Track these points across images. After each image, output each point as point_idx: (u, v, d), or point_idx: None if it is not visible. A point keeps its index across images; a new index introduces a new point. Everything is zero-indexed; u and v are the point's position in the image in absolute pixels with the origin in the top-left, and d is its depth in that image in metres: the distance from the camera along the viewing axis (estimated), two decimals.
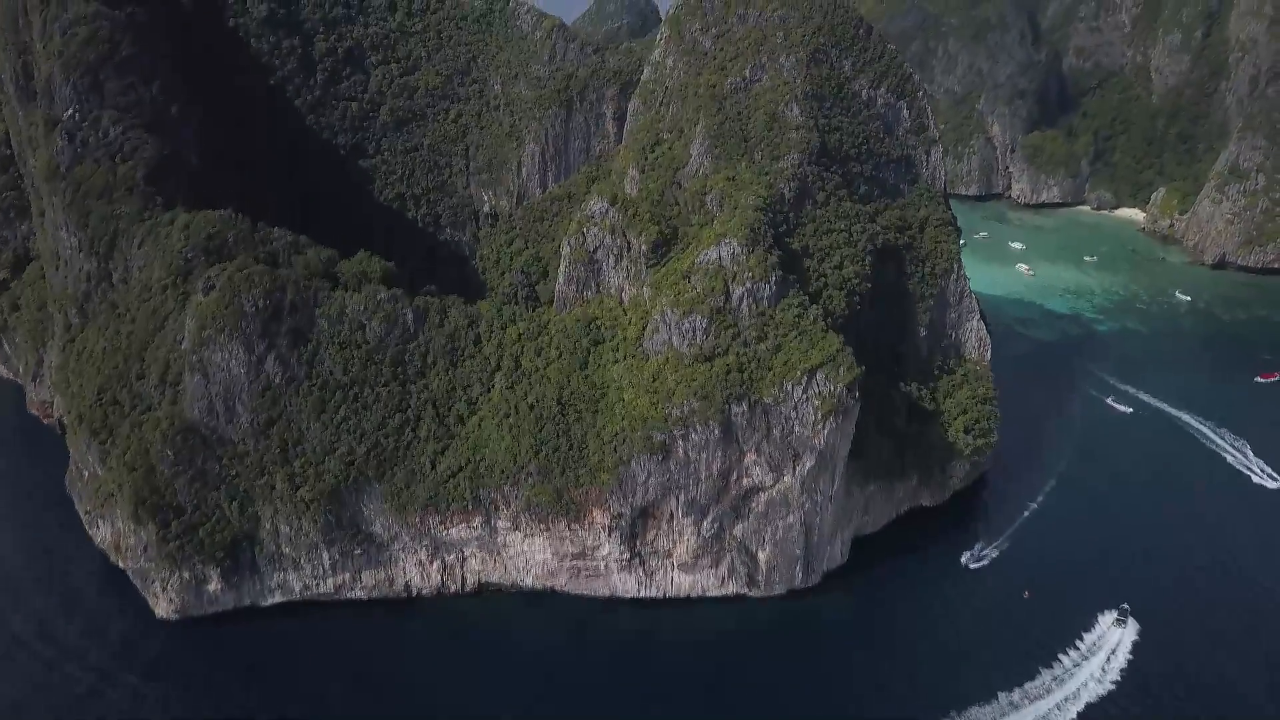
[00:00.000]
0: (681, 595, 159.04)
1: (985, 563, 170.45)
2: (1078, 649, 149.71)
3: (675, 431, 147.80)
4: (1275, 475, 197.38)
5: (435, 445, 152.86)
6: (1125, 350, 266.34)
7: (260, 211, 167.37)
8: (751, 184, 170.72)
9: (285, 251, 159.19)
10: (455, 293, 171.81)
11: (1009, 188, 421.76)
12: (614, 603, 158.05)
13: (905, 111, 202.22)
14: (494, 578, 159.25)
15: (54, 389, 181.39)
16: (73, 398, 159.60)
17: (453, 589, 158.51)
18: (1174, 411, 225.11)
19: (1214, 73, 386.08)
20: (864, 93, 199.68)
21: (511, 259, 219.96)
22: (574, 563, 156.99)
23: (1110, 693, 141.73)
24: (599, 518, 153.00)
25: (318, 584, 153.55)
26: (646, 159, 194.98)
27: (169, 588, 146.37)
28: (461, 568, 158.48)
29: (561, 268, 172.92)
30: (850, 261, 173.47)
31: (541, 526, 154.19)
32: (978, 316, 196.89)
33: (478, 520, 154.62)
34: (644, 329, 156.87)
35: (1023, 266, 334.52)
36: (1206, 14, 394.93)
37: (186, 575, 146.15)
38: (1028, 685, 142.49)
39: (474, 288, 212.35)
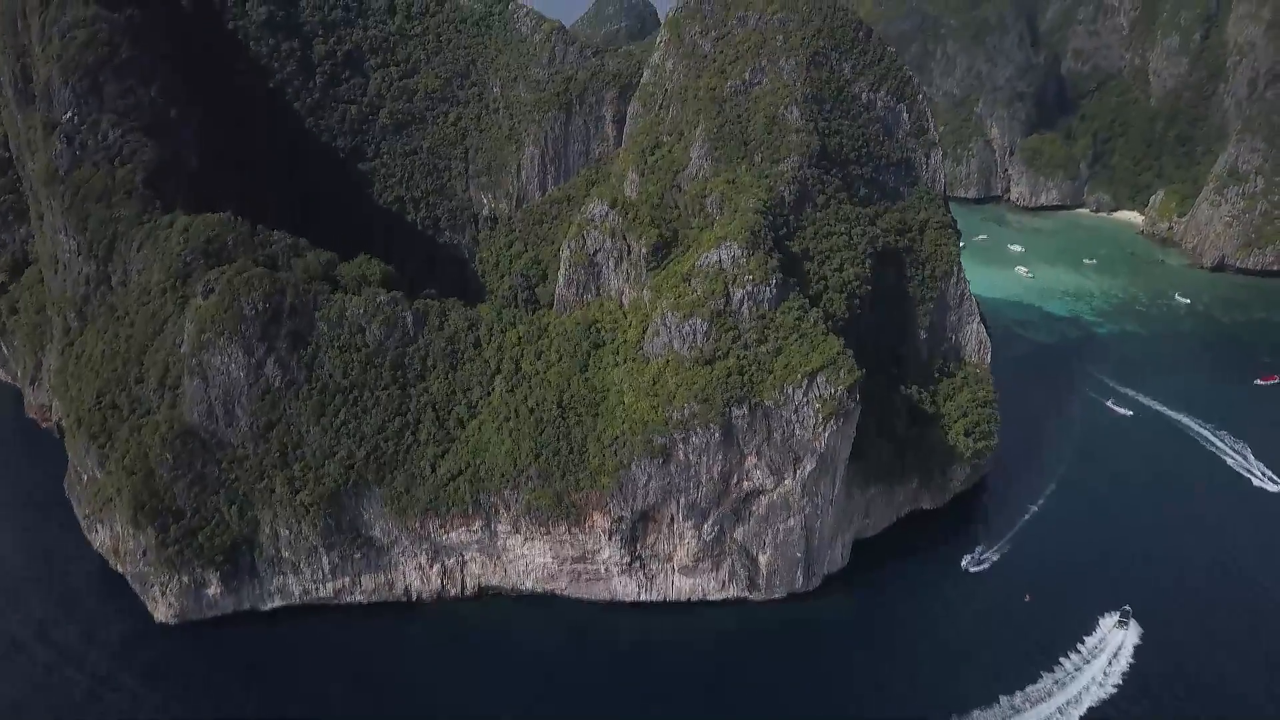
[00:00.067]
0: (682, 599, 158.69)
1: (986, 566, 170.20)
2: (1079, 652, 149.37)
3: (676, 435, 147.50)
4: (1276, 478, 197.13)
5: (435, 449, 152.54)
6: (1125, 353, 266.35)
7: (260, 214, 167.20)
8: (751, 187, 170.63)
9: (285, 254, 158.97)
10: (455, 296, 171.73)
11: (1008, 190, 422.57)
12: (614, 606, 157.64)
13: (905, 114, 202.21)
14: (494, 581, 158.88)
15: (53, 392, 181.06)
16: (71, 401, 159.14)
17: (453, 593, 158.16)
18: (1174, 414, 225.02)
19: (1212, 75, 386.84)
20: (864, 96, 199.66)
21: (511, 262, 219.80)
22: (574, 566, 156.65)
23: (1112, 696, 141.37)
24: (599, 521, 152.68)
25: (317, 588, 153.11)
26: (646, 162, 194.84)
27: (168, 592, 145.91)
28: (461, 571, 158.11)
29: (561, 271, 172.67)
30: (850, 264, 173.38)
31: (542, 530, 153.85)
32: (978, 319, 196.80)
33: (478, 524, 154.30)
34: (644, 332, 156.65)
35: (1022, 269, 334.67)
36: (1205, 17, 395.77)
37: (185, 579, 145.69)
38: (1029, 689, 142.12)
39: (473, 291, 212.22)
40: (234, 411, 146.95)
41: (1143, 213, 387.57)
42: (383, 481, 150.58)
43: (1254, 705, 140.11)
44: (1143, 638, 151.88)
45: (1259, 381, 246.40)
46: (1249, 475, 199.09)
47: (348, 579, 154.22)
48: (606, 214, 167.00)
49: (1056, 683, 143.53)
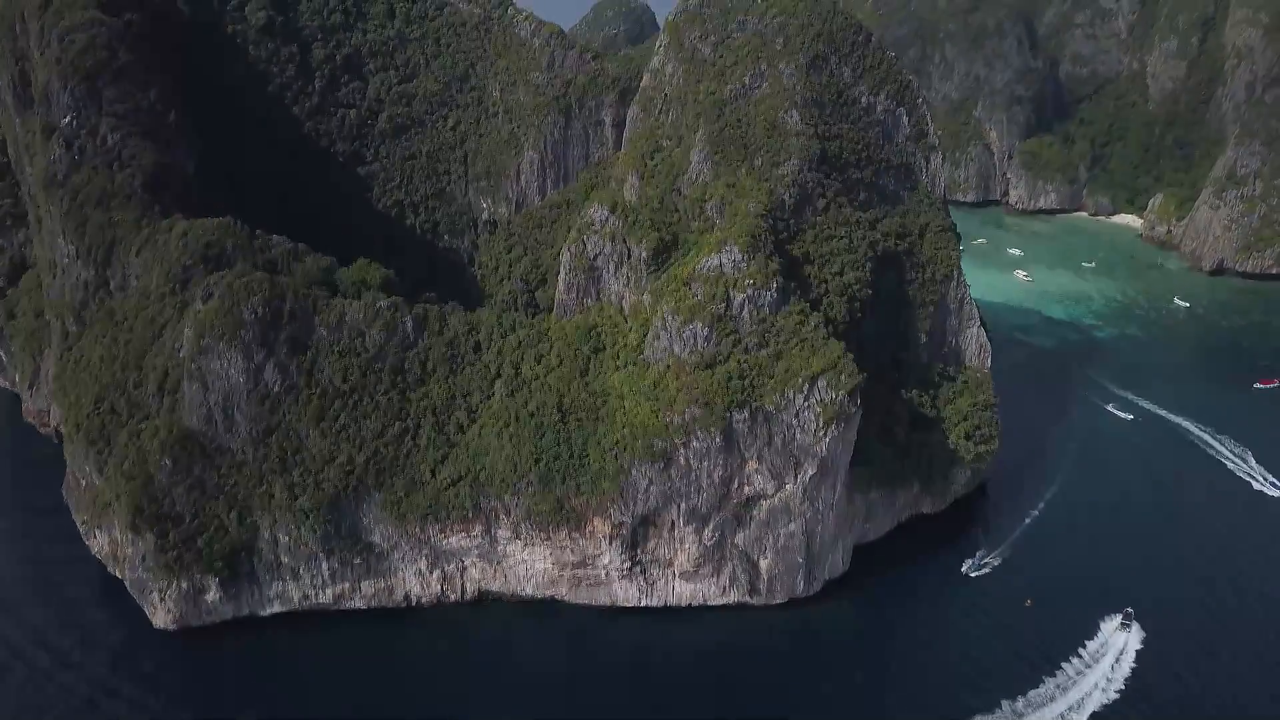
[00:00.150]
0: (682, 604, 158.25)
1: (987, 570, 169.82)
2: (1081, 657, 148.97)
3: (676, 439, 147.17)
4: (1277, 483, 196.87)
5: (435, 454, 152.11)
6: (1125, 357, 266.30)
7: (258, 219, 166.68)
8: (752, 191, 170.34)
9: (284, 259, 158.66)
10: (454, 300, 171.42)
11: (1006, 194, 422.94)
12: (615, 612, 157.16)
13: (905, 118, 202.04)
14: (494, 587, 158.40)
15: (51, 398, 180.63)
16: (70, 406, 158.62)
17: (453, 598, 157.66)
18: (1174, 418, 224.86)
19: (1210, 79, 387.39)
20: (863, 99, 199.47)
21: (510, 266, 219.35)
22: (575, 572, 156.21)
23: (1114, 701, 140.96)
24: (600, 526, 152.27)
25: (317, 594, 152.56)
26: (646, 166, 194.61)
27: (167, 598, 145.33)
28: (461, 577, 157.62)
29: (562, 275, 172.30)
30: (851, 268, 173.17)
31: (542, 535, 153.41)
32: (978, 323, 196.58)
33: (478, 529, 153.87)
34: (645, 336, 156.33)
35: (1021, 273, 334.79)
36: (1203, 20, 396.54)
37: (185, 585, 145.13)
38: (1031, 693, 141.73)
39: (473, 295, 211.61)
40: (233, 416, 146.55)
41: (1141, 216, 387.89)
42: (382, 487, 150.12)
43: (1257, 709, 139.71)
44: (1145, 642, 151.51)
45: (1259, 385, 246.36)
46: (1249, 479, 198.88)
47: (347, 584, 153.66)
48: (607, 218, 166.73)
49: (1059, 687, 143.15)
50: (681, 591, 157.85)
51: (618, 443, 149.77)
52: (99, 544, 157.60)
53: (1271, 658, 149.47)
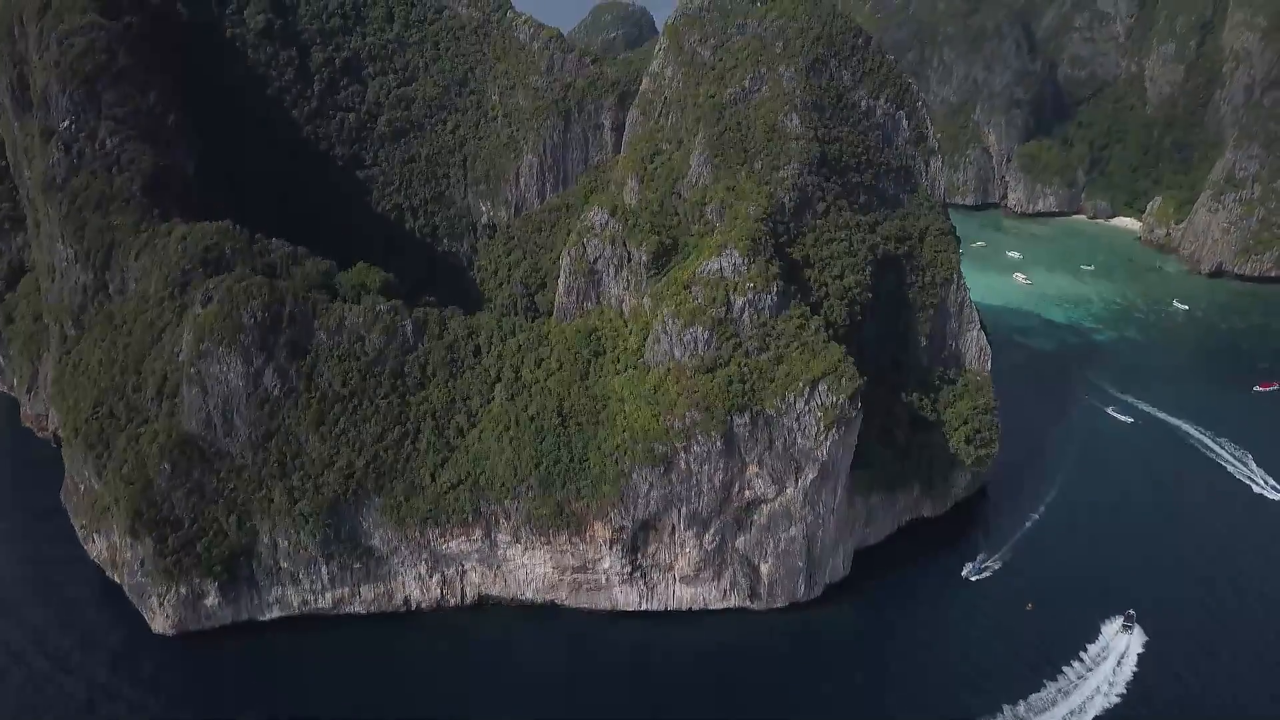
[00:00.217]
0: (683, 608, 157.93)
1: (987, 574, 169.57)
2: (1082, 660, 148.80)
3: (677, 443, 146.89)
4: (1278, 486, 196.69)
5: (435, 458, 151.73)
6: (1124, 359, 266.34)
7: (258, 222, 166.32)
8: (752, 194, 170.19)
9: (283, 263, 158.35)
10: (454, 304, 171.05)
11: (1005, 197, 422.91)
12: (615, 616, 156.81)
13: (904, 121, 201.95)
14: (494, 591, 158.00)
15: (49, 402, 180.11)
16: (68, 410, 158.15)
17: (452, 603, 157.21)
18: (1174, 421, 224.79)
19: (1209, 82, 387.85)
20: (863, 103, 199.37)
21: (510, 270, 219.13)
22: (575, 576, 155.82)
23: (1116, 704, 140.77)
24: (600, 531, 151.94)
25: (316, 598, 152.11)
26: (646, 169, 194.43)
27: (166, 602, 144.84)
28: (461, 581, 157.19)
29: (561, 279, 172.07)
30: (851, 271, 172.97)
31: (542, 539, 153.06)
32: (978, 326, 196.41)
33: (478, 533, 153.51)
34: (645, 340, 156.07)
35: (1020, 276, 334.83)
36: (1201, 24, 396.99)
37: (184, 590, 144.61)
38: (1032, 697, 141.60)
39: (473, 299, 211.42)
40: (232, 421, 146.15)
41: (1140, 219, 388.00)
42: (382, 491, 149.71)
43: (1258, 710, 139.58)
44: (1146, 645, 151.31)
45: (1258, 388, 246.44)
46: (1250, 482, 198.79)
47: (347, 589, 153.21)
48: (607, 221, 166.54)
49: (1060, 691, 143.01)
50: (682, 596, 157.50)
51: (618, 447, 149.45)
52: (97, 548, 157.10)
53: (1273, 658, 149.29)
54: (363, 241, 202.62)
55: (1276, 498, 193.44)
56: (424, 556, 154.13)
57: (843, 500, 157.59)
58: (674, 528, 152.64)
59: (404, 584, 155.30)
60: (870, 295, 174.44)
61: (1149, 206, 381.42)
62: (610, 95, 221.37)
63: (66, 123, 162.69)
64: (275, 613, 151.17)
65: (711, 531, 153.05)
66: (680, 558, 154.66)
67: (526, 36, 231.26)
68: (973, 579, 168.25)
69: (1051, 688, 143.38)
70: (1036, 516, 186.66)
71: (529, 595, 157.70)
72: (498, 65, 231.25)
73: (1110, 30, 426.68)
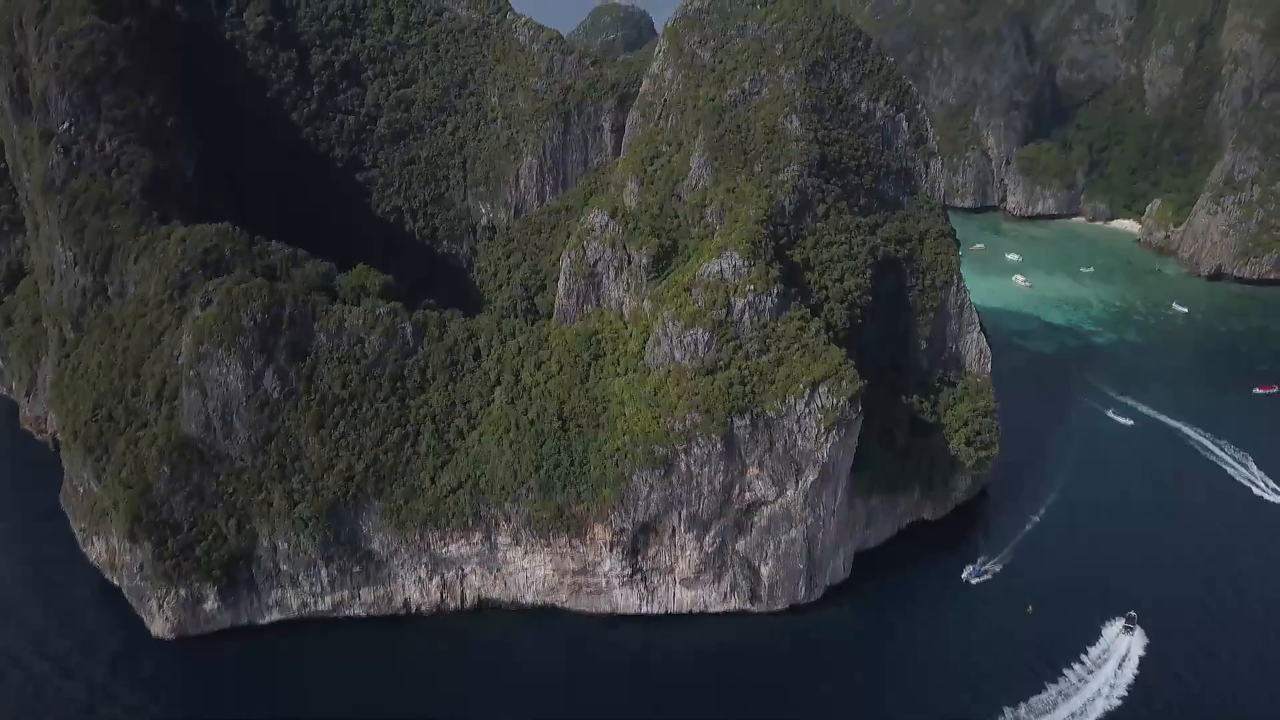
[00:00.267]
0: (683, 611, 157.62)
1: (988, 577, 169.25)
2: (1083, 663, 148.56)
3: (677, 446, 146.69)
4: (1279, 489, 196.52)
5: (435, 461, 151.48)
6: (1124, 362, 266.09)
7: (257, 225, 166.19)
8: (752, 196, 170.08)
9: (283, 265, 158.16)
10: (453, 306, 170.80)
11: (1004, 199, 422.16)
12: (615, 619, 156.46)
13: (904, 123, 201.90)
14: (494, 594, 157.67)
15: (48, 405, 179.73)
16: (67, 414, 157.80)
17: (452, 606, 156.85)
18: (1174, 423, 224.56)
19: (1207, 84, 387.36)
20: (863, 105, 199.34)
21: (509, 272, 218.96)
22: (575, 579, 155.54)
23: (1117, 707, 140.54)
24: (600, 533, 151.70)
25: (316, 601, 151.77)
26: (645, 171, 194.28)
27: (165, 606, 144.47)
28: (461, 584, 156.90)
29: (561, 281, 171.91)
30: (851, 274, 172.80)
31: (542, 542, 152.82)
32: (978, 328, 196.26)
33: (478, 536, 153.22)
34: (645, 342, 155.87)
35: (1019, 278, 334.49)
36: (1199, 26, 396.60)
37: (183, 593, 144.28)
38: (1033, 700, 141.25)
39: (472, 301, 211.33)
40: (232, 423, 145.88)
41: (1139, 221, 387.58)
42: (382, 494, 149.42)
43: (1261, 714, 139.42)
44: (1148, 648, 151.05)
45: (1258, 390, 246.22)
46: (1250, 485, 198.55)
47: (346, 592, 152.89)
48: (606, 224, 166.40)
49: (1061, 694, 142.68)
50: (682, 598, 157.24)
51: (618, 449, 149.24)
52: (96, 552, 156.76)
53: (1274, 660, 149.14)
54: (362, 243, 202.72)
55: (1277, 500, 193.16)
56: (424, 559, 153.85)
57: (843, 502, 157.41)
58: (674, 530, 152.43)
59: (404, 587, 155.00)
60: (870, 297, 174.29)
61: (1148, 209, 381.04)
62: (610, 97, 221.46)
63: (66, 125, 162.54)
64: (275, 616, 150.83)
65: (712, 534, 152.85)
66: (680, 560, 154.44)
67: (526, 38, 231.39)
68: (973, 581, 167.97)
69: (1052, 690, 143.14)
70: (1037, 519, 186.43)
71: (529, 598, 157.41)
72: (497, 67, 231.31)
73: (1109, 32, 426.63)
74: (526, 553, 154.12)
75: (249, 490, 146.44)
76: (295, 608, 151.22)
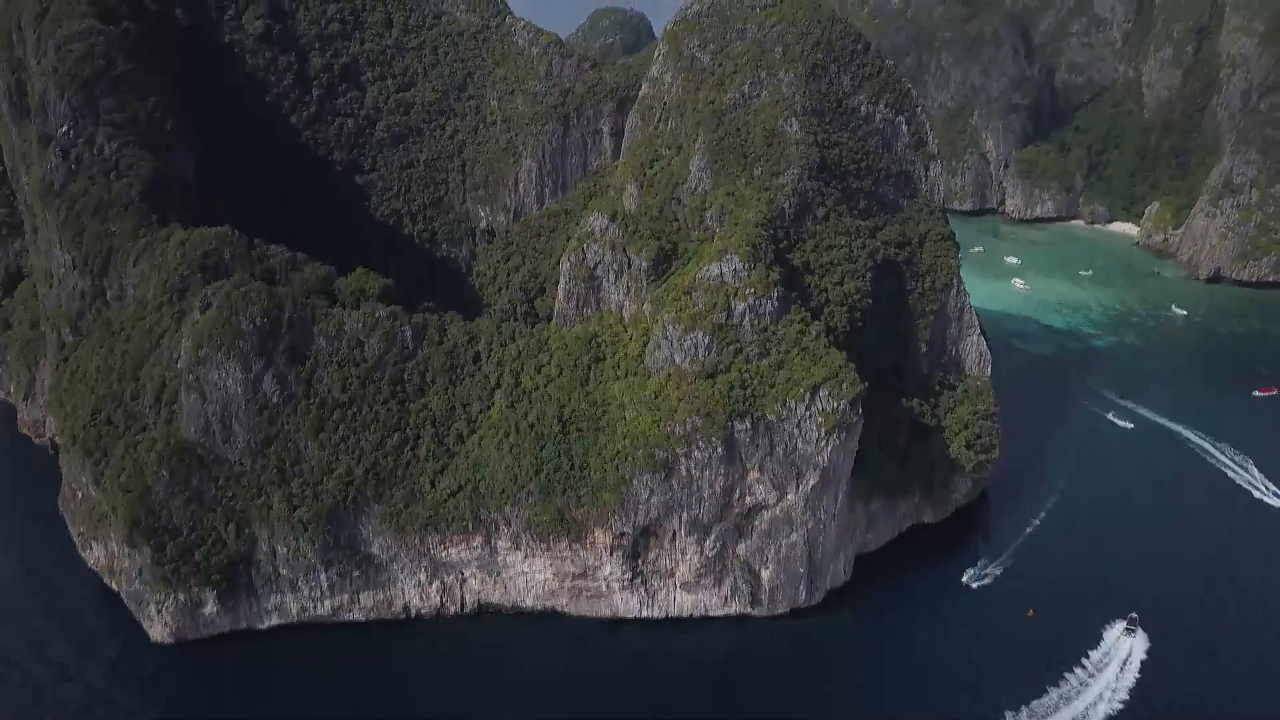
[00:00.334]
0: (684, 615, 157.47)
1: (988, 580, 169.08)
2: (1084, 666, 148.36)
3: (677, 449, 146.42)
4: (1279, 492, 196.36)
5: (434, 465, 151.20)
6: (1123, 365, 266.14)
7: (257, 228, 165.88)
8: (752, 199, 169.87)
9: (282, 268, 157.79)
10: (453, 309, 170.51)
11: (1003, 202, 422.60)
12: (616, 623, 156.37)
13: (904, 127, 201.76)
14: (494, 598, 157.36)
15: (47, 408, 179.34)
16: (66, 417, 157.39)
17: (452, 610, 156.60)
18: (1174, 427, 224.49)
19: (1206, 87, 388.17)
20: (863, 108, 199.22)
21: (509, 275, 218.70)
22: (575, 583, 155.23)
23: (1119, 710, 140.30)
24: (601, 537, 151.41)
25: (315, 606, 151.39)
26: (645, 175, 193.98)
27: (164, 610, 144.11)
28: (461, 588, 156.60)
29: (561, 284, 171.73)
30: (851, 277, 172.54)
31: (542, 546, 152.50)
32: (978, 331, 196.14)
33: (478, 540, 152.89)
34: (645, 346, 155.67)
35: (1018, 281, 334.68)
36: (1198, 29, 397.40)
37: (182, 598, 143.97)
38: (1034, 703, 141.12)
39: (472, 304, 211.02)
40: (231, 427, 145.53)
41: (1138, 224, 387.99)
42: (381, 498, 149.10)
43: (1261, 715, 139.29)
44: (1149, 651, 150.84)
45: (1257, 393, 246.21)
46: (1250, 488, 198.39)
47: (346, 596, 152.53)
48: (606, 227, 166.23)
49: (1063, 697, 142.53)
50: (683, 602, 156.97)
51: (618, 453, 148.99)
52: (95, 556, 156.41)
53: (1275, 661, 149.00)
54: (362, 246, 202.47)
55: (1277, 504, 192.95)
56: (424, 564, 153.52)
57: (843, 506, 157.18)
58: (675, 534, 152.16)
59: (403, 591, 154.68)
60: (870, 301, 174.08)
61: (1147, 212, 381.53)
62: (609, 100, 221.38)
63: (64, 128, 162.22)
64: (274, 620, 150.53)
65: (712, 537, 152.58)
66: (681, 564, 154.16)
67: (525, 42, 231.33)
68: (974, 584, 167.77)
69: (1054, 693, 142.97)
70: (1037, 522, 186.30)
71: (529, 602, 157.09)
72: (496, 70, 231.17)
73: (1107, 35, 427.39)
74: (526, 557, 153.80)
75: (248, 494, 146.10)
76: (295, 612, 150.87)
